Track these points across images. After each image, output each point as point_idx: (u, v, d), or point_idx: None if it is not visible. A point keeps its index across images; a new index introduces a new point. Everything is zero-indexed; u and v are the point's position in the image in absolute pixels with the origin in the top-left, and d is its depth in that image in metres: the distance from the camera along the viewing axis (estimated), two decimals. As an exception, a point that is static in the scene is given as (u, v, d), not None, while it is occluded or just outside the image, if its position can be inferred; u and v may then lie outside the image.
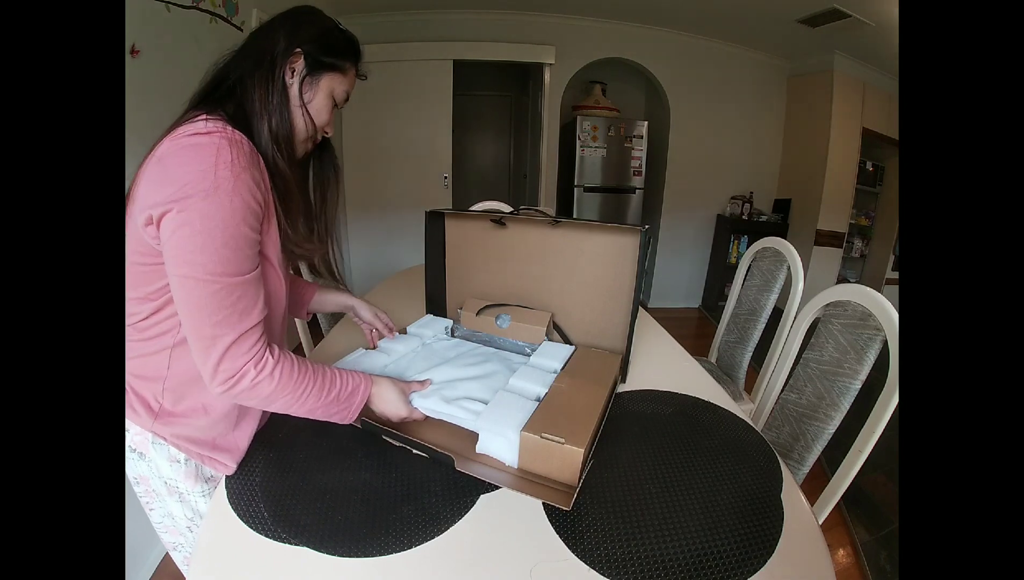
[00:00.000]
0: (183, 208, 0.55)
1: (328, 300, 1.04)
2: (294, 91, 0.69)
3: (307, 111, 0.70)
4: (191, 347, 0.62)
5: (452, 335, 1.19)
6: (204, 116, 0.61)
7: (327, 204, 0.85)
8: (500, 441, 0.74)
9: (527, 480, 0.71)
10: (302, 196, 0.76)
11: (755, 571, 0.57)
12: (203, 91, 0.68)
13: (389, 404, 0.79)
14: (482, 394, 0.87)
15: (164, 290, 0.63)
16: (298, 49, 0.68)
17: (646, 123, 3.71)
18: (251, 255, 0.62)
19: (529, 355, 1.06)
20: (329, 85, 0.72)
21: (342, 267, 0.94)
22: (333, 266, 0.91)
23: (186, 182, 0.55)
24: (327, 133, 0.77)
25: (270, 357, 0.65)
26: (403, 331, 1.13)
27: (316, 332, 1.78)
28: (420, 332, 1.14)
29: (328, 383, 0.71)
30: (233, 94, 0.66)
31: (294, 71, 0.69)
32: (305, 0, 0.76)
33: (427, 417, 0.83)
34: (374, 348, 1.06)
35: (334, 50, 0.71)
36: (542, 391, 0.86)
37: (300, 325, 1.50)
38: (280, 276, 0.71)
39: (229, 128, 0.60)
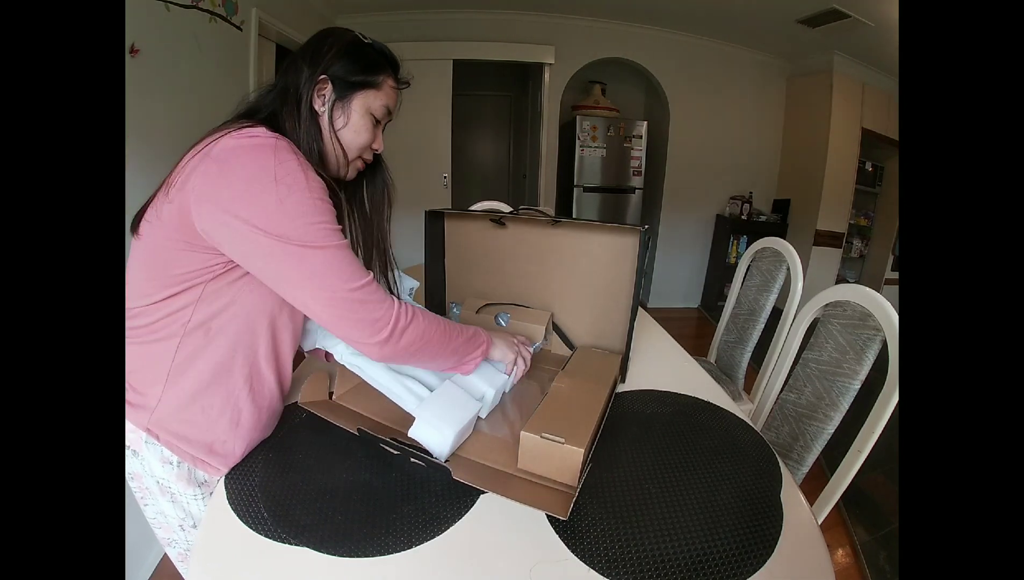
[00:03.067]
0: (273, 192, 0.57)
1: None
2: (324, 120, 0.69)
3: (338, 139, 0.70)
4: (330, 324, 0.64)
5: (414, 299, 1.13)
6: (249, 124, 0.62)
7: (381, 222, 0.86)
8: (433, 433, 0.72)
9: (526, 483, 0.70)
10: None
11: (754, 571, 0.57)
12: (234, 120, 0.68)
13: (500, 353, 0.88)
14: (428, 377, 0.84)
15: (194, 274, 0.63)
16: (323, 76, 0.67)
17: (645, 123, 3.71)
18: (337, 230, 0.63)
19: None
20: (363, 104, 0.70)
21: (399, 290, 0.92)
22: (392, 287, 0.89)
23: (255, 174, 0.57)
24: (376, 150, 0.77)
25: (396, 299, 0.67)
26: None
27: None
28: None
29: (450, 324, 0.76)
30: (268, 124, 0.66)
31: (324, 99, 0.68)
32: (332, 21, 0.76)
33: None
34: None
35: (361, 67, 0.69)
36: (489, 392, 0.84)
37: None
38: None
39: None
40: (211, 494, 0.75)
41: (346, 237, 0.69)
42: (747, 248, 1.63)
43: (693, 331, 3.74)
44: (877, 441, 0.85)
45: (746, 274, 1.62)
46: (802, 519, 0.67)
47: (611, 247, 1.03)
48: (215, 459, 0.72)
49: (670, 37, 3.60)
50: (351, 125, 0.70)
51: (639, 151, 3.72)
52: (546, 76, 3.53)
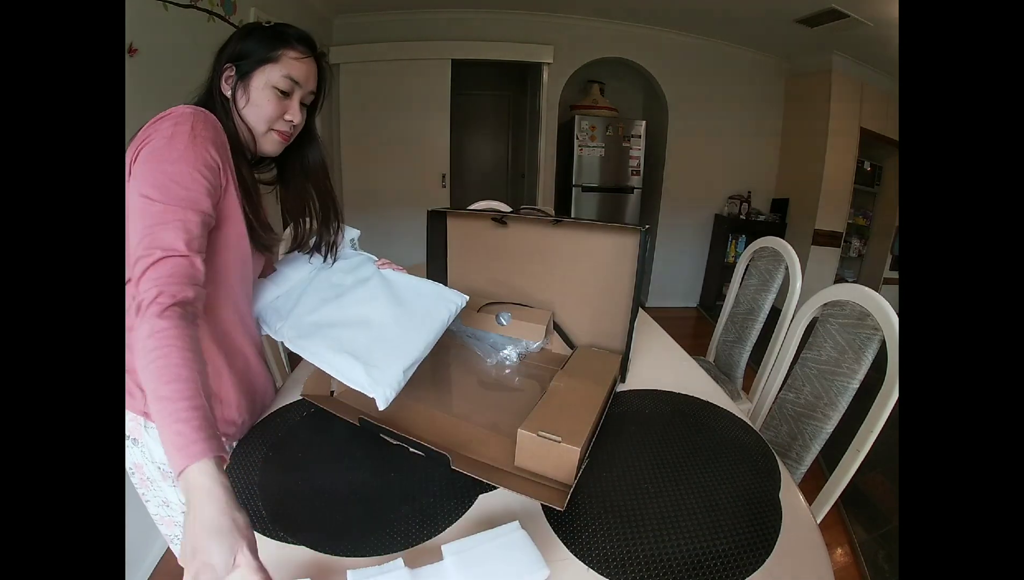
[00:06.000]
0: (146, 144, 0.63)
1: None
2: (231, 103, 0.76)
3: (241, 118, 0.76)
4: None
5: (357, 248, 1.07)
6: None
7: (325, 180, 0.92)
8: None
9: (523, 480, 0.70)
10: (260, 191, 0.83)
11: (754, 570, 0.57)
12: None
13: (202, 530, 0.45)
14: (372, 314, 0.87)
15: None
16: (227, 64, 0.75)
17: (644, 123, 3.71)
18: (197, 197, 0.63)
19: (500, 347, 1.10)
20: (263, 79, 0.75)
21: (342, 239, 1.00)
22: (338, 235, 0.97)
23: (151, 134, 0.63)
24: (289, 120, 0.79)
25: (176, 307, 0.57)
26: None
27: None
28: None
29: (191, 392, 0.51)
30: None
31: (229, 83, 0.75)
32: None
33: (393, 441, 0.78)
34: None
35: (258, 47, 0.75)
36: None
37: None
38: (243, 236, 0.76)
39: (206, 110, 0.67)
40: None
41: (259, 211, 0.78)
42: (746, 248, 1.64)
43: (692, 330, 3.75)
44: (876, 440, 0.85)
45: (745, 273, 1.62)
46: (801, 518, 0.67)
47: (612, 247, 1.03)
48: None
49: (669, 37, 3.59)
50: (252, 101, 0.75)
51: (638, 151, 3.72)
52: (545, 76, 3.53)
